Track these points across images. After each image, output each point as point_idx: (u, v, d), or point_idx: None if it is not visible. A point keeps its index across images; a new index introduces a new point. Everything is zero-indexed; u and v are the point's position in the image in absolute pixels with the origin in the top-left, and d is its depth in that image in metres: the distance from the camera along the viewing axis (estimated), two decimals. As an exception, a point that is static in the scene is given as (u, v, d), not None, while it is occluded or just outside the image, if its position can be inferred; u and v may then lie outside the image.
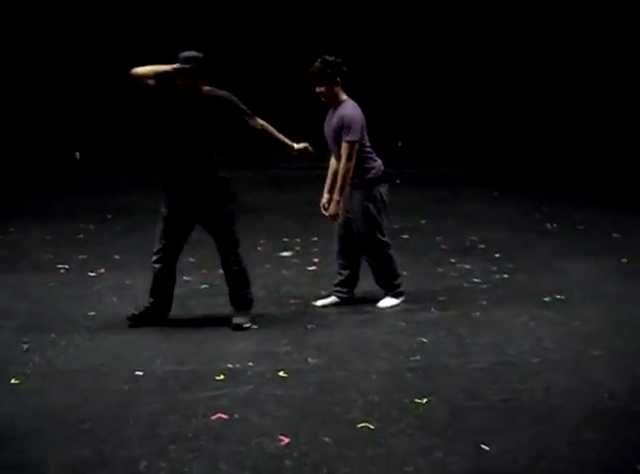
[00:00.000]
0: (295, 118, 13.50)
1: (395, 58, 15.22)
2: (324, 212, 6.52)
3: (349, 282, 6.60)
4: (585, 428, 4.21)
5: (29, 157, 14.99)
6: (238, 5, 15.23)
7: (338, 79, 6.27)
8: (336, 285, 6.61)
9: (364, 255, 6.56)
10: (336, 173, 6.47)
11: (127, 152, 15.39)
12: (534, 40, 15.26)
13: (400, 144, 15.22)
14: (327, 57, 6.26)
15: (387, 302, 6.54)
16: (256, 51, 15.19)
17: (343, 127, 6.26)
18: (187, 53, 5.93)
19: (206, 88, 5.97)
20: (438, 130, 15.27)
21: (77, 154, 15.72)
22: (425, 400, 4.58)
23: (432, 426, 4.25)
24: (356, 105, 6.37)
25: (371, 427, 4.24)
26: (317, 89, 6.32)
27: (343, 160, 6.29)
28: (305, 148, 6.34)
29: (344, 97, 6.38)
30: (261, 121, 6.15)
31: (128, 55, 15.01)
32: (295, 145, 6.30)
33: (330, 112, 6.49)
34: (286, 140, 6.26)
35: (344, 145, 6.26)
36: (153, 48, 15.00)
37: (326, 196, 6.54)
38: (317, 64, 6.25)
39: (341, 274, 6.61)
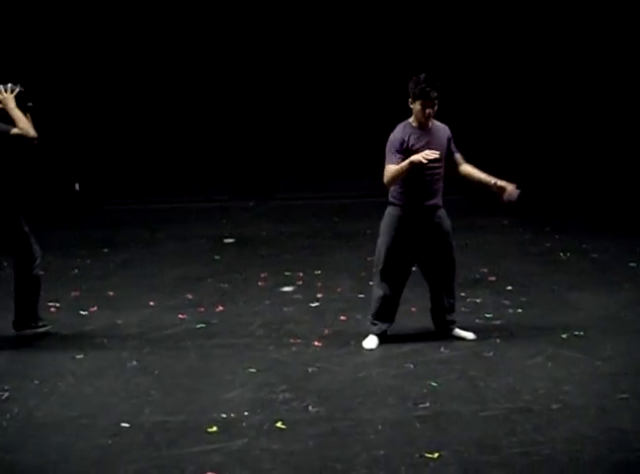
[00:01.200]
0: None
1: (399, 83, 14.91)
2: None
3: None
4: (614, 487, 3.80)
5: (26, 188, 14.69)
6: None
7: None
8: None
9: (451, 279, 6.27)
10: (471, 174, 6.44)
11: (129, 184, 15.10)
12: (540, 71, 14.98)
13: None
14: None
15: (470, 334, 6.29)
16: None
17: (451, 138, 6.30)
18: None
19: None
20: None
21: (77, 185, 15.41)
22: (436, 455, 4.18)
23: (444, 486, 3.85)
24: None
25: (377, 487, 3.84)
26: (430, 109, 5.99)
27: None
28: None
29: None
30: None
31: (126, 87, 14.83)
32: None
33: (413, 131, 6.04)
34: None
35: (458, 155, 6.39)
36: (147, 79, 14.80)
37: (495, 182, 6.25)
38: (435, 83, 5.96)
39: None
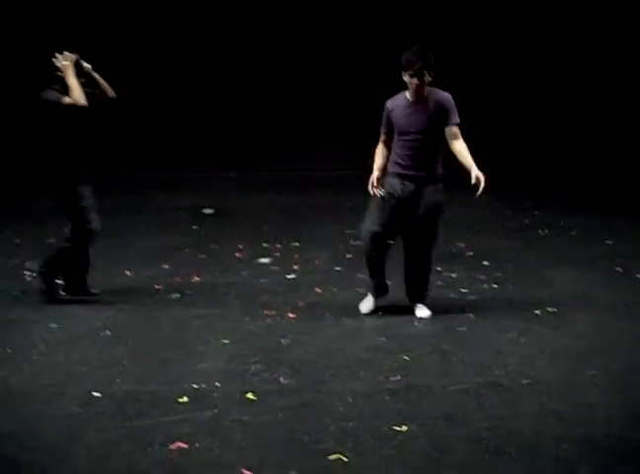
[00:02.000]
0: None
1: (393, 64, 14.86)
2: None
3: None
4: (579, 462, 3.82)
5: (8, 157, 14.60)
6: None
7: None
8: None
9: (426, 254, 6.20)
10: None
11: (109, 154, 15.01)
12: (524, 49, 14.96)
13: None
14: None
15: (426, 312, 6.25)
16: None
17: (448, 111, 5.97)
18: None
19: None
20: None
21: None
22: (404, 428, 4.19)
23: (411, 459, 3.86)
24: None
25: (344, 459, 3.85)
26: (416, 80, 5.84)
27: (460, 139, 6.06)
28: None
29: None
30: None
31: (111, 56, 14.70)
32: None
33: (403, 102, 6.02)
34: None
35: (455, 128, 6.03)
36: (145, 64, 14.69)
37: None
38: (423, 54, 5.85)
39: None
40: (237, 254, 8.37)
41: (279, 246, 8.67)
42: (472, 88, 14.97)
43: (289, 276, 7.43)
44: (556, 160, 14.84)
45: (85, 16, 14.50)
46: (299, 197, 12.08)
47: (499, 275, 7.47)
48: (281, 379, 4.91)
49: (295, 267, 7.72)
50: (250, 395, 4.64)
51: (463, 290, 6.94)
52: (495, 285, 7.12)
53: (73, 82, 6.19)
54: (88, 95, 6.34)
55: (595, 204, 11.54)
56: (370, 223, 6.10)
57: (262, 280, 7.29)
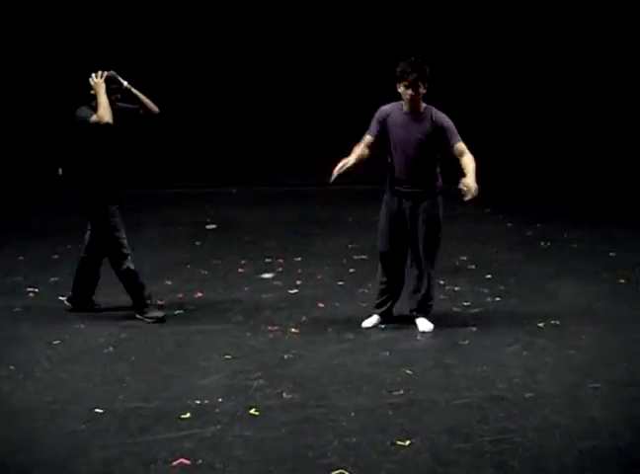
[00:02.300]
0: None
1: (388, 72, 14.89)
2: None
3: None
4: (582, 475, 3.82)
5: (9, 173, 14.62)
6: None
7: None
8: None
9: (429, 268, 6.20)
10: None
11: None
12: (524, 60, 14.98)
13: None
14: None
15: (428, 326, 6.24)
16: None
17: (447, 131, 5.98)
18: None
19: None
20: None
21: (60, 170, 15.34)
22: (407, 442, 4.19)
23: (414, 473, 3.86)
24: None
25: (347, 474, 3.85)
26: (411, 91, 5.89)
27: (467, 153, 6.01)
28: None
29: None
30: None
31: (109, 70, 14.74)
32: None
33: (399, 113, 6.05)
34: None
35: (460, 145, 6.01)
36: (135, 65, 14.71)
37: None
38: (418, 66, 5.90)
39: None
40: (240, 269, 8.37)
41: (281, 261, 8.66)
42: (472, 99, 15.00)
43: (292, 292, 7.43)
44: (557, 172, 14.83)
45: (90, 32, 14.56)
46: (301, 211, 12.07)
47: (502, 288, 7.46)
48: (284, 394, 4.91)
49: (298, 282, 7.72)
50: (253, 411, 4.64)
51: (466, 304, 6.93)
52: (498, 298, 7.11)
53: (101, 100, 6.26)
54: (129, 111, 6.55)
55: (597, 216, 11.51)
56: (379, 243, 6.26)
57: (264, 296, 7.28)
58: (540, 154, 15.12)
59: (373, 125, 6.12)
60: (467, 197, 5.75)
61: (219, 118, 15.03)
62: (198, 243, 9.84)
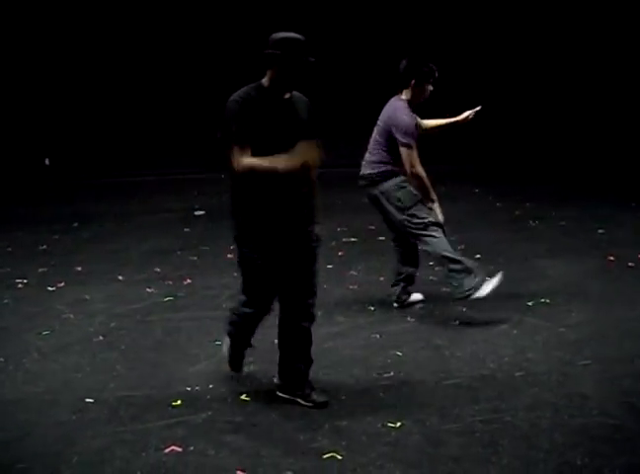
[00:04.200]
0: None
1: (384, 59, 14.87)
2: None
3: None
4: (573, 452, 3.82)
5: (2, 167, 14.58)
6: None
7: None
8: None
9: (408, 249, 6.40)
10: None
11: (100, 158, 15.00)
12: (517, 43, 14.96)
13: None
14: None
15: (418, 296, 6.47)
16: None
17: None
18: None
19: None
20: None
21: (47, 160, 15.29)
22: (398, 424, 4.19)
23: (405, 455, 3.86)
24: None
25: (339, 457, 3.85)
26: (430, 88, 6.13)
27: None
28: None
29: None
30: None
31: (98, 62, 14.68)
32: None
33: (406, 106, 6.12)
34: None
35: None
36: (123, 55, 14.65)
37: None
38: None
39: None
40: (228, 255, 8.32)
41: (270, 246, 8.64)
42: (460, 79, 14.97)
43: (282, 276, 7.40)
44: (545, 152, 14.85)
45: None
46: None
47: (491, 267, 7.40)
48: (275, 379, 4.89)
49: (287, 266, 7.69)
50: (243, 396, 4.64)
51: (455, 284, 6.90)
52: (487, 278, 7.09)
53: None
54: None
55: (585, 195, 11.55)
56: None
57: (254, 281, 7.26)
58: (528, 134, 15.14)
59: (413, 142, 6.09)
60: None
61: (208, 104, 14.97)
62: (186, 229, 9.83)
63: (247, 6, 14.76)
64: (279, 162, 4.16)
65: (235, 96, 4.39)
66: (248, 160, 4.21)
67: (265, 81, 4.39)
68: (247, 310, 4.63)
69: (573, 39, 14.92)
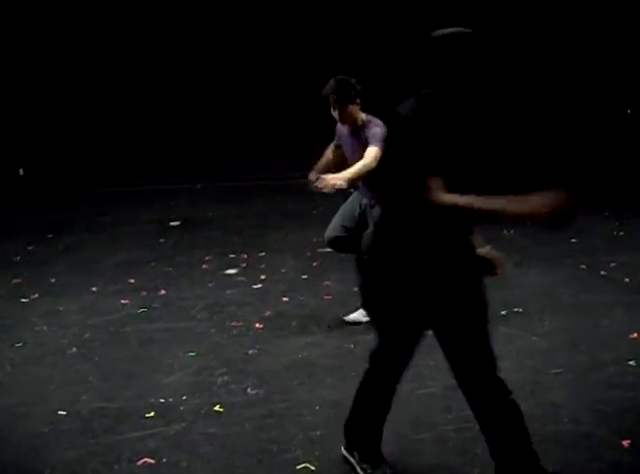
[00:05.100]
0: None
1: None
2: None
3: None
4: (544, 460, 3.81)
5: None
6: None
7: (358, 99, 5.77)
8: None
9: None
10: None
11: (74, 168, 14.93)
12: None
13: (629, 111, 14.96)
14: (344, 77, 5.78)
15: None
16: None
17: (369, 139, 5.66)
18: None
19: None
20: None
21: (21, 170, 15.20)
22: (371, 433, 4.19)
23: (378, 464, 3.86)
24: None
25: (312, 468, 3.86)
26: (340, 111, 5.75)
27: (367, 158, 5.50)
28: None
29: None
30: None
31: (71, 73, 14.62)
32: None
33: (345, 129, 5.94)
34: None
35: (371, 149, 5.57)
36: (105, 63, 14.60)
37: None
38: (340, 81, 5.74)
39: None
40: (203, 265, 8.34)
41: (245, 256, 8.65)
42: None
43: (256, 286, 7.42)
44: (518, 159, 14.92)
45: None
46: (265, 206, 12.07)
47: (465, 277, 7.48)
48: (249, 390, 4.90)
49: (262, 276, 7.71)
50: (217, 407, 4.63)
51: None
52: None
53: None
54: None
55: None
56: None
57: (228, 291, 7.27)
58: (501, 141, 15.18)
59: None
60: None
61: (182, 114, 14.97)
62: (161, 240, 9.80)
63: (227, 26, 14.78)
64: (517, 205, 3.22)
65: (410, 111, 3.22)
66: (452, 197, 3.14)
67: (431, 92, 3.25)
68: None
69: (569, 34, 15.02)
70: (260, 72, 14.87)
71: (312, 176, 5.78)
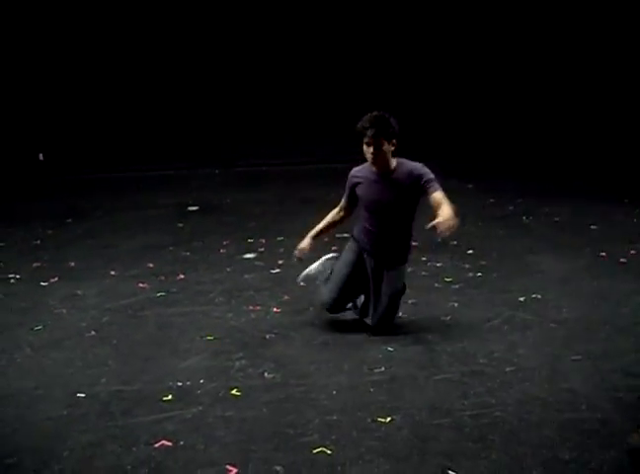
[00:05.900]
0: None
1: (378, 55, 14.86)
2: None
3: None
4: (561, 447, 3.85)
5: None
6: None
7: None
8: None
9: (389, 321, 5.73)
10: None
11: (93, 154, 14.99)
12: (512, 39, 14.96)
13: None
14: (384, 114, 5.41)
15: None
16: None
17: (423, 178, 5.45)
18: None
19: None
20: (410, 121, 14.93)
21: (41, 155, 15.26)
22: (388, 419, 4.20)
23: (394, 450, 3.87)
24: None
25: (328, 452, 3.86)
26: (372, 149, 5.39)
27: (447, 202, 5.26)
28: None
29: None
30: None
31: (91, 58, 14.65)
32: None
33: (370, 174, 5.59)
34: None
35: (439, 193, 5.39)
36: (117, 52, 14.63)
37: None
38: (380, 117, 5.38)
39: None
40: (221, 250, 8.36)
41: (263, 241, 8.67)
42: (457, 77, 15.01)
43: (274, 271, 7.43)
44: (539, 148, 14.87)
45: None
46: (283, 191, 12.09)
47: (483, 263, 7.49)
48: (266, 374, 4.91)
49: (280, 261, 7.72)
50: (234, 391, 4.65)
51: (448, 279, 6.95)
52: (479, 274, 7.14)
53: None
54: None
55: (578, 191, 11.57)
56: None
57: (246, 276, 7.29)
58: (522, 131, 15.15)
59: (345, 194, 5.83)
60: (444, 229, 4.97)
61: (201, 100, 14.98)
62: (180, 225, 9.83)
63: (241, 9, 14.75)
64: None
65: None
66: None
67: None
68: None
69: (564, 36, 14.93)
70: (278, 58, 14.85)
71: (298, 253, 5.86)
